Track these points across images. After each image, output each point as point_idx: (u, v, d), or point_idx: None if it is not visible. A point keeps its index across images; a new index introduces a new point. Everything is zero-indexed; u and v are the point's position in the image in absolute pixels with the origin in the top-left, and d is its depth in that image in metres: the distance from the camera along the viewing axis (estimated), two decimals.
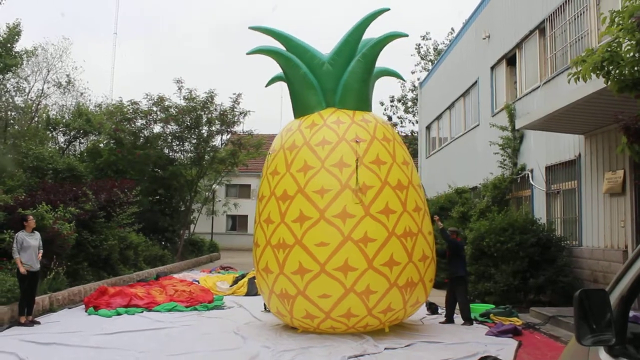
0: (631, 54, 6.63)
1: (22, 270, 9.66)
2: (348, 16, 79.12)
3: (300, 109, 9.86)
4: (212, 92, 23.60)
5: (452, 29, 33.55)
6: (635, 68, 6.63)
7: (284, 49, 9.94)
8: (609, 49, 6.89)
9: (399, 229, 8.69)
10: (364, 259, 8.41)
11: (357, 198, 8.61)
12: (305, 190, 8.78)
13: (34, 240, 10.08)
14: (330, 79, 9.68)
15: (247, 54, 9.94)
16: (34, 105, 27.81)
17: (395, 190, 8.90)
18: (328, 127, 9.23)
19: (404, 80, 11.08)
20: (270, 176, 9.39)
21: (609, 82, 7.04)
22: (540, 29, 13.91)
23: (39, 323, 9.87)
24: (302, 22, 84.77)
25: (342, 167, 8.78)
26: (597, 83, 7.98)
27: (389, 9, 9.83)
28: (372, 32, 10.04)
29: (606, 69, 6.90)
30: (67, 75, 29.49)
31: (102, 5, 72.87)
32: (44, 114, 28.07)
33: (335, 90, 9.65)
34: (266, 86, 11.02)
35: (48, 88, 28.97)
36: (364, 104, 9.85)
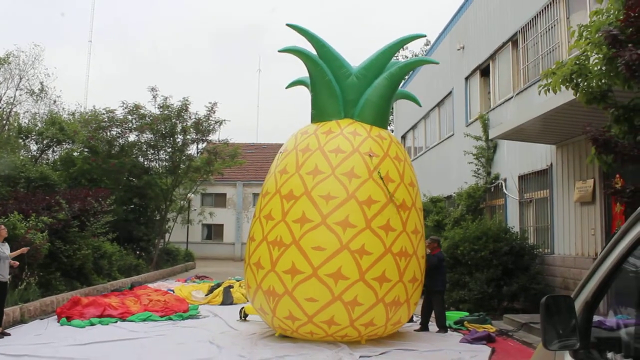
0: (598, 67, 6.82)
1: None
2: (348, 16, 79.52)
3: (319, 114, 10.00)
4: (187, 100, 23.51)
5: (428, 41, 33.93)
6: (603, 81, 6.82)
7: (314, 52, 10.01)
8: (577, 62, 7.09)
9: (395, 247, 8.79)
10: (357, 270, 8.46)
11: (383, 189, 8.81)
12: (311, 193, 8.85)
13: (6, 249, 9.90)
14: (353, 90, 9.87)
15: (279, 51, 10.01)
16: (5, 113, 27.36)
17: (398, 209, 9.02)
18: (344, 136, 9.35)
19: (420, 106, 11.43)
20: (278, 174, 9.45)
21: (578, 94, 7.23)
22: (513, 41, 14.19)
23: (9, 334, 9.69)
24: (301, 23, 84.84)
25: (352, 177, 8.88)
26: (567, 95, 8.18)
27: (425, 36, 10.63)
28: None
29: (575, 81, 7.09)
30: (41, 83, 29.07)
31: (74, 13, 72.10)
32: (16, 122, 27.63)
33: (356, 102, 9.84)
34: (287, 87, 11.24)
35: (20, 95, 28.53)
36: (381, 120, 10.05)
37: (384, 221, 8.80)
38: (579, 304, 2.55)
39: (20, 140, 26.70)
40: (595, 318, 2.60)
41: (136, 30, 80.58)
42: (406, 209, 9.17)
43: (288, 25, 10.00)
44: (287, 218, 8.85)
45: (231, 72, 74.95)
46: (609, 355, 2.55)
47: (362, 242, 8.57)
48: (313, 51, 10.01)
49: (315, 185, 8.90)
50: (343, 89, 9.87)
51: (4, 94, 27.63)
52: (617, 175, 9.29)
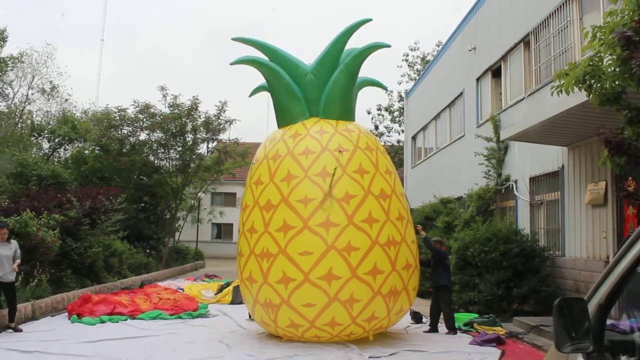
0: (612, 68, 6.76)
1: None
2: (349, 15, 79.49)
3: (284, 118, 9.90)
4: (196, 98, 23.60)
5: (440, 42, 33.90)
6: (616, 82, 6.77)
7: (267, 59, 9.97)
8: (590, 63, 7.03)
9: (382, 238, 8.74)
10: (347, 268, 8.43)
11: (326, 201, 8.66)
12: (288, 200, 8.80)
13: (8, 250, 9.86)
14: (313, 88, 9.74)
15: (231, 64, 9.95)
16: (18, 111, 27.60)
17: (378, 199, 8.95)
18: (311, 136, 9.28)
19: (386, 90, 11.24)
20: (253, 186, 9.40)
21: (591, 96, 7.18)
22: (525, 41, 14.11)
23: (20, 330, 9.77)
24: (301, 23, 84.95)
25: (326, 177, 8.82)
26: (579, 96, 8.12)
27: (371, 20, 9.91)
28: (358, 42, 10.13)
29: (588, 82, 7.04)
30: (50, 82, 29.30)
31: (73, 13, 72.52)
32: (29, 120, 27.86)
33: (318, 100, 9.71)
34: (250, 96, 11.05)
35: (32, 94, 28.78)
36: (347, 113, 9.91)
37: (366, 214, 8.73)
38: (592, 307, 2.54)
39: (33, 138, 26.93)
40: (609, 321, 2.58)
41: (137, 30, 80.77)
42: (386, 197, 9.07)
43: (233, 39, 9.99)
44: (270, 228, 8.79)
45: (243, 72, 75.07)
46: (623, 358, 2.53)
47: (347, 239, 8.53)
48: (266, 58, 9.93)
49: (291, 191, 8.83)
50: (303, 89, 9.74)
51: (17, 92, 27.90)
52: (630, 178, 9.21)
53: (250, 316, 11.35)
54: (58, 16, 68.46)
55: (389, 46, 10.06)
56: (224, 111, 24.17)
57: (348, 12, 78.96)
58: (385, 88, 11.67)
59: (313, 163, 8.96)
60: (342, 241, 8.51)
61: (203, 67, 79.78)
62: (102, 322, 10.87)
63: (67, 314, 11.43)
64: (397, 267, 8.83)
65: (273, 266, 8.62)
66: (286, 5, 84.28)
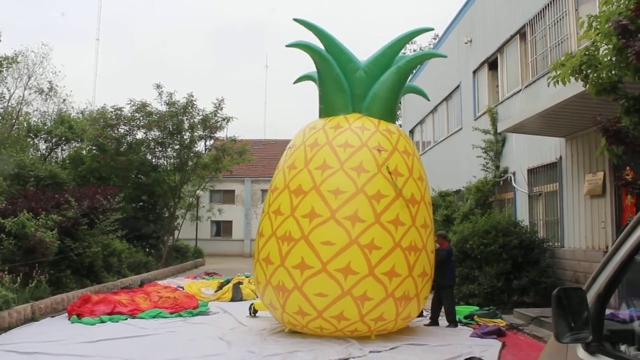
0: (608, 57, 6.74)
1: None
2: (349, 14, 79.29)
3: (327, 109, 9.96)
4: (191, 95, 23.55)
5: (436, 35, 33.85)
6: (613, 72, 6.74)
7: (322, 47, 9.95)
8: (587, 53, 7.01)
9: (405, 242, 8.76)
10: (366, 265, 8.44)
11: (391, 183, 8.82)
12: (320, 188, 8.83)
13: None
14: (361, 85, 9.82)
15: (287, 46, 9.86)
16: (15, 112, 27.51)
17: (407, 203, 8.99)
18: (352, 131, 9.32)
19: (429, 100, 11.35)
20: (286, 169, 9.43)
21: (588, 86, 7.16)
22: (521, 33, 14.09)
23: None
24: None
25: (360, 172, 8.86)
26: (576, 87, 8.10)
27: (432, 29, 10.45)
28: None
29: (584, 72, 7.02)
30: (49, 82, 29.22)
31: (80, 11, 72.31)
32: (25, 121, 27.79)
33: (364, 97, 9.80)
34: (294, 83, 11.16)
35: (29, 95, 28.69)
36: (389, 114, 10.01)
37: (393, 215, 8.77)
38: (591, 297, 2.52)
39: (30, 139, 26.87)
40: (608, 310, 2.56)
41: (135, 29, 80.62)
42: (415, 203, 9.13)
43: (295, 20, 9.92)
44: (296, 213, 8.84)
45: (234, 71, 74.82)
46: (622, 347, 2.52)
47: (371, 236, 8.55)
48: (320, 46, 9.95)
49: (324, 180, 8.87)
50: (351, 84, 9.83)
51: (14, 93, 27.81)
52: (628, 168, 9.21)
53: (250, 313, 11.36)
54: (53, 15, 68.23)
55: (445, 56, 10.32)
56: (221, 108, 24.14)
57: (349, 10, 78.92)
58: (428, 99, 11.92)
59: (350, 157, 8.99)
60: (366, 238, 8.53)
61: (202, 66, 79.67)
62: (102, 321, 10.85)
63: (66, 314, 11.40)
64: (414, 273, 8.85)
65: (293, 250, 8.66)
66: (286, 5, 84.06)
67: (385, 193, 8.83)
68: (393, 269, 8.58)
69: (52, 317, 11.45)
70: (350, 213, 8.64)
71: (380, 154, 9.06)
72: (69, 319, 11.03)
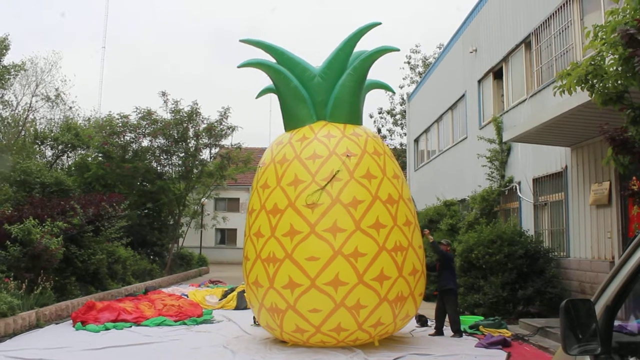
0: (614, 67, 6.74)
1: None
2: (349, 15, 79.43)
3: (291, 122, 9.85)
4: (195, 103, 23.71)
5: (441, 44, 33.90)
6: (619, 82, 6.74)
7: (274, 61, 9.92)
8: (592, 63, 7.01)
9: (389, 244, 8.68)
10: (354, 274, 8.38)
11: (310, 206, 8.62)
12: (295, 204, 8.74)
13: None
14: (321, 92, 9.68)
15: (238, 67, 9.91)
16: (22, 119, 27.63)
17: (385, 204, 8.89)
18: (319, 140, 9.22)
19: (393, 93, 11.30)
20: (260, 189, 9.35)
21: (593, 95, 7.15)
22: (526, 42, 14.10)
23: None
24: (302, 23, 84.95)
25: (333, 181, 8.77)
26: (582, 96, 8.09)
27: (380, 23, 9.85)
28: (365, 45, 10.11)
29: (590, 82, 7.01)
30: (56, 89, 29.36)
31: (86, 18, 72.69)
32: (32, 128, 27.88)
33: (326, 103, 9.66)
34: (256, 98, 10.95)
35: (36, 102, 28.82)
36: (355, 117, 9.87)
37: (373, 219, 8.67)
38: (599, 308, 2.51)
39: (36, 146, 26.95)
40: (616, 322, 2.55)
41: (137, 34, 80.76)
42: (393, 203, 9.01)
43: (241, 41, 9.95)
44: (276, 233, 8.75)
45: (246, 75, 74.90)
46: None
47: (354, 244, 8.47)
48: (274, 61, 9.87)
49: (298, 196, 8.77)
50: (310, 92, 9.69)
51: (21, 100, 27.94)
52: (634, 178, 9.17)
53: (254, 321, 11.34)
54: (55, 22, 68.64)
55: (397, 50, 10.05)
56: (227, 117, 24.22)
57: (350, 12, 78.98)
58: (391, 90, 11.62)
59: (320, 167, 8.90)
60: (349, 247, 8.46)
61: (204, 70, 79.87)
62: (107, 329, 10.86)
63: (71, 321, 11.42)
64: (404, 272, 8.78)
65: (279, 271, 8.58)
66: (286, 6, 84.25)
67: (361, 198, 8.74)
68: (382, 272, 8.49)
69: (57, 324, 11.47)
70: (330, 225, 8.54)
71: (350, 160, 8.95)
72: (73, 326, 11.06)
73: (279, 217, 8.80)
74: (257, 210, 9.23)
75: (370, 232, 8.60)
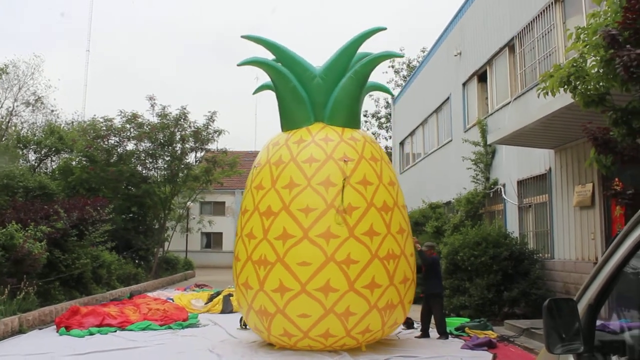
0: (595, 69, 6.80)
1: None
2: (349, 16, 79.40)
3: (288, 122, 9.69)
4: (184, 108, 23.55)
5: (424, 48, 34.06)
6: (600, 83, 6.80)
7: (274, 59, 9.83)
8: (574, 64, 7.07)
9: (382, 252, 8.63)
10: (345, 281, 8.32)
11: (342, 218, 8.50)
12: (289, 208, 8.64)
13: None
14: (320, 93, 9.53)
15: (238, 65, 9.74)
16: (4, 123, 27.34)
17: (380, 211, 8.83)
18: (316, 144, 9.08)
19: (392, 95, 11.27)
20: (254, 190, 9.22)
21: (576, 97, 7.22)
22: (510, 46, 14.21)
23: None
24: (302, 23, 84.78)
25: (329, 187, 8.66)
26: (565, 98, 8.17)
27: (385, 29, 9.81)
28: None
29: (573, 83, 7.07)
30: (34, 93, 29.09)
31: (71, 20, 72.05)
32: (14, 132, 27.58)
33: (325, 105, 9.51)
34: (254, 93, 10.91)
35: (17, 106, 28.54)
36: (353, 120, 9.76)
37: (367, 227, 8.61)
38: (581, 307, 2.53)
39: (19, 150, 26.66)
40: (599, 321, 2.57)
41: (125, 32, 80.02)
42: (388, 210, 8.96)
43: (243, 37, 9.80)
44: (269, 235, 8.66)
45: (224, 83, 74.42)
46: (613, 358, 2.52)
47: (347, 251, 8.40)
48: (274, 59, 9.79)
49: (293, 199, 8.67)
50: (309, 93, 9.54)
51: (3, 103, 27.65)
52: (616, 179, 9.26)
53: (241, 325, 11.29)
54: (40, 24, 67.96)
55: (402, 56, 10.14)
56: (213, 121, 24.14)
57: (349, 13, 78.78)
58: (391, 93, 11.62)
59: (317, 172, 8.77)
60: (342, 253, 8.38)
61: (199, 76, 79.40)
62: (91, 334, 10.75)
63: (55, 326, 11.29)
64: (395, 281, 8.73)
65: (270, 274, 8.50)
66: (286, 6, 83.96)
67: (356, 205, 8.65)
68: (373, 280, 8.44)
69: (40, 329, 11.33)
70: (323, 230, 8.46)
71: (346, 165, 8.83)
72: (57, 331, 10.93)
73: (272, 220, 8.70)
74: (250, 211, 9.13)
75: (363, 240, 8.53)
